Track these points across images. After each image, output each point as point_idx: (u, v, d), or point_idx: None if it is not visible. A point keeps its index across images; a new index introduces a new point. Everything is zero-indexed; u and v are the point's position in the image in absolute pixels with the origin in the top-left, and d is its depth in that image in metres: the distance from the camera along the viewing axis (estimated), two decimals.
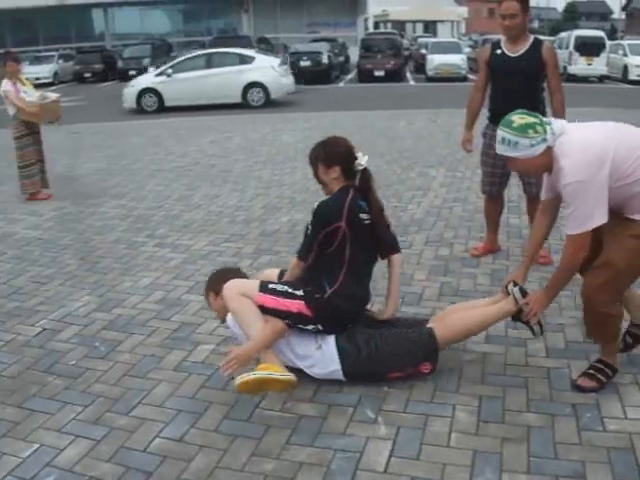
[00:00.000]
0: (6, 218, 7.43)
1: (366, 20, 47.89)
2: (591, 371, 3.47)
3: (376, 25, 57.29)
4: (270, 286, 3.50)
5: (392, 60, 27.17)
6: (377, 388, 3.53)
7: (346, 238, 3.43)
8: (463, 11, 64.48)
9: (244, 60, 18.60)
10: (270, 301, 3.44)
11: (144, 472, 2.95)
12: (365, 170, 3.57)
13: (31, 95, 7.89)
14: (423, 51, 30.25)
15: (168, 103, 18.16)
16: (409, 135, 11.81)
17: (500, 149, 3.23)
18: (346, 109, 16.40)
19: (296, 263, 3.59)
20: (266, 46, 31.21)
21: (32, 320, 4.59)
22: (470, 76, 25.96)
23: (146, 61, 33.77)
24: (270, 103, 18.18)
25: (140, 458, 3.06)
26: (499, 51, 5.03)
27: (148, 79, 18.76)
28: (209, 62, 18.78)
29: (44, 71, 33.75)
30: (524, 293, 3.49)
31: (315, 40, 33.57)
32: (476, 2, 71.54)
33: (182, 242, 6.14)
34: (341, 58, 31.67)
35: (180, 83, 17.71)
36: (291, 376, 3.43)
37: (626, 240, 3.14)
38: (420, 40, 38.20)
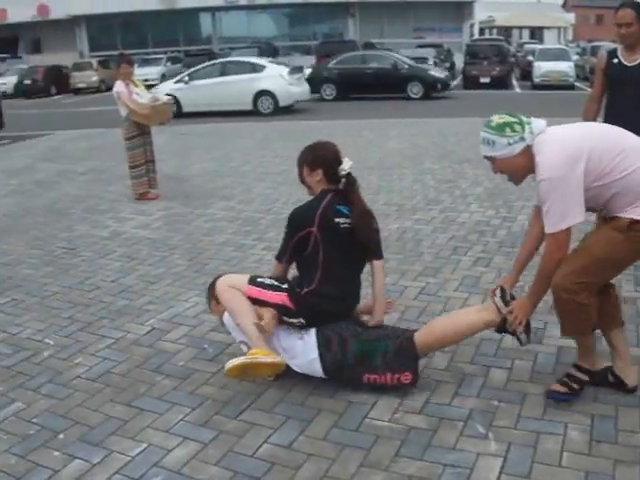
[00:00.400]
0: (116, 217, 7.69)
1: (472, 26, 47.26)
2: (564, 378, 3.45)
3: (481, 31, 56.45)
4: (258, 279, 3.71)
5: (498, 67, 26.77)
6: (487, 402, 3.46)
7: (318, 242, 3.56)
8: (570, 17, 62.74)
9: (255, 69, 19.71)
10: (257, 293, 3.63)
11: (252, 478, 2.96)
12: (349, 175, 3.67)
13: (143, 97, 8.13)
14: (530, 58, 29.62)
15: (185, 109, 19.25)
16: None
17: (481, 149, 3.26)
18: (452, 116, 16.22)
19: (275, 264, 3.84)
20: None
21: (141, 319, 4.72)
22: (578, 84, 25.22)
23: None
24: (280, 110, 18.93)
25: (248, 463, 3.07)
26: (616, 60, 4.93)
27: (168, 86, 20.10)
28: (223, 70, 19.86)
29: (152, 73, 34.83)
30: (507, 301, 3.45)
31: (421, 46, 33.40)
32: (584, 8, 69.50)
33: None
34: (446, 64, 31.37)
35: (196, 90, 18.23)
36: (278, 359, 3.53)
37: (607, 231, 3.17)
38: (526, 47, 37.44)
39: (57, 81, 35.69)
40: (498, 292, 3.48)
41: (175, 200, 8.24)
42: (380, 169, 9.62)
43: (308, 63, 33.44)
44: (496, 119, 3.20)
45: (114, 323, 4.68)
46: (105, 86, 35.36)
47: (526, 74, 29.34)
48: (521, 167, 3.21)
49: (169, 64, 36.75)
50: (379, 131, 13.70)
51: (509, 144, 3.14)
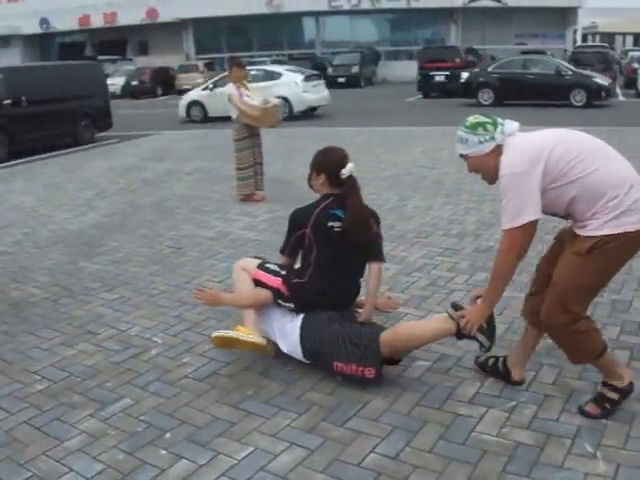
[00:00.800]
0: (222, 217, 7.83)
1: (574, 32, 45.92)
2: (598, 398, 3.45)
3: (584, 37, 54.76)
4: (265, 265, 4.18)
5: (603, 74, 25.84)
6: (596, 420, 3.37)
7: (312, 242, 3.93)
8: None
9: (272, 77, 20.76)
10: (260, 276, 4.11)
11: None
12: (349, 178, 3.93)
13: (254, 99, 8.24)
14: (635, 65, 28.48)
15: (211, 114, 20.50)
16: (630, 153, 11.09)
17: (456, 148, 3.42)
18: (554, 125, 15.73)
19: (279, 256, 4.24)
20: (473, 57, 30.81)
21: None
22: None
23: (355, 69, 34.58)
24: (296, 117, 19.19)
25: (354, 472, 3.06)
26: None
27: (196, 93, 21.80)
28: None
29: None
30: (458, 308, 3.64)
31: (523, 52, 32.67)
32: None
33: (397, 253, 6.14)
34: None
35: (219, 97, 18.26)
36: (259, 340, 3.96)
37: (569, 257, 3.21)
38: (631, 54, 36.05)
39: (163, 82, 36.79)
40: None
41: (279, 203, 8.30)
42: None
43: (410, 68, 33.39)
44: (471, 119, 3.37)
45: (221, 324, 4.75)
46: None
47: (630, 82, 28.21)
48: (492, 166, 3.28)
49: None
50: None
51: (480, 142, 3.29)
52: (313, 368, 4.01)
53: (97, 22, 46.05)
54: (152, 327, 4.80)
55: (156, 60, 42.41)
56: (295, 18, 44.43)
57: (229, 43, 45.53)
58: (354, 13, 43.05)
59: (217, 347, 4.13)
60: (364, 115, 19.94)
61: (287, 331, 4.02)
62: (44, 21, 47.05)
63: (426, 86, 26.09)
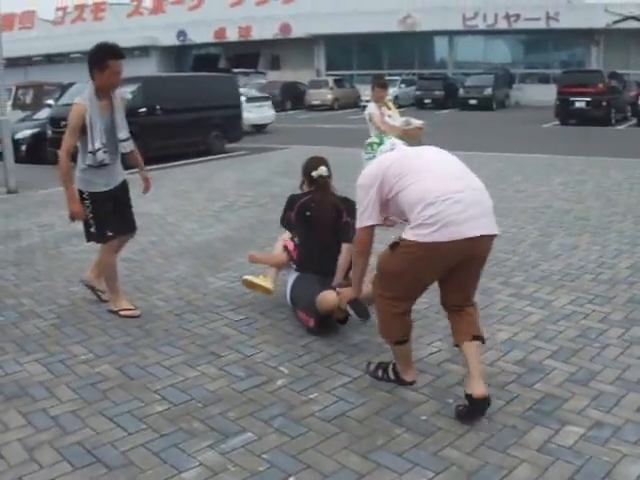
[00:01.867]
0: None
1: None
2: (385, 363, 4.22)
3: None
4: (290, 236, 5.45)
5: None
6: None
7: (296, 225, 5.27)
8: None
9: None
10: (288, 243, 5.42)
11: None
12: (319, 178, 5.20)
13: (395, 120, 7.95)
14: None
15: None
16: None
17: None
18: None
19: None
20: (617, 82, 29.34)
21: (381, 359, 4.40)
22: None
23: (488, 91, 33.82)
24: None
25: None
26: None
27: None
28: None
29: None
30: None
31: None
32: None
33: (541, 296, 5.66)
34: None
35: None
36: (268, 286, 5.39)
37: (386, 249, 3.80)
38: None
39: (293, 97, 37.27)
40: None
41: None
42: None
43: (546, 92, 32.31)
44: (369, 140, 4.25)
45: (352, 360, 4.46)
46: (338, 104, 36.44)
47: None
48: None
49: (403, 86, 37.12)
50: None
51: (367, 159, 4.28)
52: (452, 421, 3.66)
53: (232, 36, 47.25)
54: (278, 355, 4.56)
55: (287, 74, 43.02)
56: (428, 37, 44.09)
57: (359, 60, 45.70)
58: (489, 33, 42.20)
59: (245, 286, 5.59)
60: (497, 140, 19.28)
61: (289, 283, 5.26)
62: (181, 33, 48.67)
63: (564, 112, 25.04)
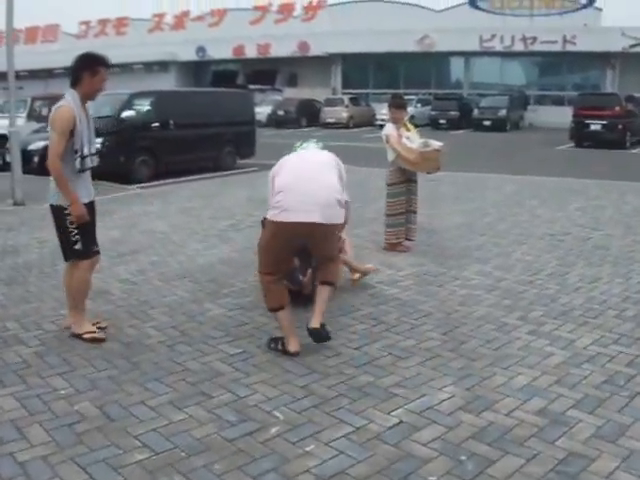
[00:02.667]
0: None
1: None
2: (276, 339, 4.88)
3: None
4: None
5: None
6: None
7: None
8: None
9: None
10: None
11: None
12: None
13: (414, 141, 7.43)
14: None
15: None
16: None
17: None
18: None
19: None
20: (634, 105, 28.74)
21: (387, 406, 3.95)
22: None
23: (502, 112, 33.32)
24: None
25: None
26: None
27: None
28: None
29: None
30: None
31: None
32: None
33: (562, 334, 5.12)
34: None
35: None
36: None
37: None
38: None
39: (308, 114, 36.94)
40: None
41: (426, 256, 7.47)
42: None
43: (560, 114, 31.77)
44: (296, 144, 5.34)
45: (355, 405, 3.96)
46: (353, 123, 36.05)
47: None
48: None
49: (419, 106, 36.68)
50: None
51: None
52: None
53: (250, 52, 47.02)
54: (274, 398, 4.07)
55: (305, 92, 42.70)
56: (444, 57, 43.69)
57: (376, 79, 45.36)
58: (505, 55, 41.72)
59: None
60: (512, 162, 18.75)
61: None
62: (200, 49, 48.51)
63: (580, 134, 24.48)
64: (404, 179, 7.60)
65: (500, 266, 7.03)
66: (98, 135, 14.19)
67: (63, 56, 53.46)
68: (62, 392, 4.19)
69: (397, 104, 7.63)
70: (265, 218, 4.83)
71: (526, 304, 5.80)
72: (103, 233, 9.04)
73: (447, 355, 4.66)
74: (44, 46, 56.65)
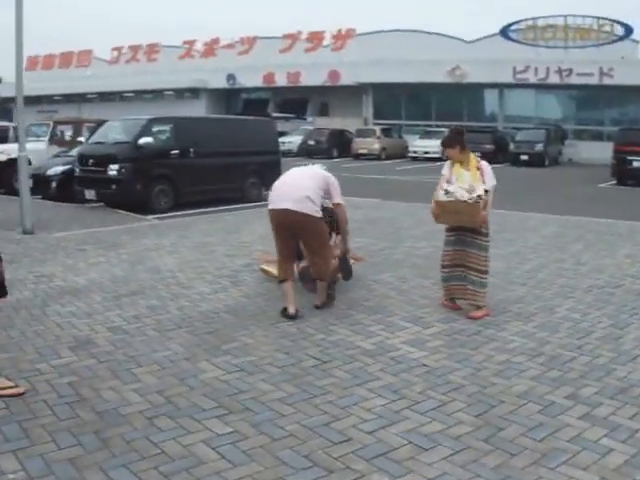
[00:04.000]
0: (385, 321, 6.26)
1: None
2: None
3: None
4: None
5: None
6: None
7: None
8: None
9: None
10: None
11: None
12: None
13: (464, 184, 6.25)
14: None
15: None
16: None
17: None
18: None
19: None
20: None
21: None
22: None
23: (539, 146, 32.39)
24: None
25: None
26: None
27: None
28: None
29: (432, 146, 34.24)
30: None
31: None
32: None
33: (621, 421, 4.20)
34: None
35: None
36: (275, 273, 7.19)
37: None
38: None
39: (340, 144, 36.31)
40: None
41: (459, 309, 6.64)
42: None
43: (600, 150, 30.79)
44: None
45: None
46: (385, 154, 35.31)
47: None
48: None
49: None
50: None
51: None
52: None
53: (281, 81, 46.64)
54: None
55: (336, 122, 42.16)
56: (477, 89, 42.77)
57: (408, 110, 44.63)
58: (540, 87, 40.79)
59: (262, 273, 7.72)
60: (552, 200, 17.76)
61: None
62: (231, 77, 48.28)
63: (622, 172, 23.32)
64: (454, 226, 6.51)
65: (543, 325, 6.13)
66: (114, 162, 14.34)
67: (96, 81, 54.37)
68: (10, 477, 3.47)
69: (443, 142, 6.66)
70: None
71: (576, 377, 4.90)
72: (105, 270, 8.57)
73: (480, 447, 3.80)
74: (78, 71, 57.08)
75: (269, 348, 5.48)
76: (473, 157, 6.49)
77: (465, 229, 6.40)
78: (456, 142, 6.42)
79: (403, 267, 8.58)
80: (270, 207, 6.43)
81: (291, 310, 6.28)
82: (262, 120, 19.09)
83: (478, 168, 6.39)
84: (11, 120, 46.47)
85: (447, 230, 6.60)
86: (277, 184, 6.55)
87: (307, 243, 6.55)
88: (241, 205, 14.93)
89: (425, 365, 5.13)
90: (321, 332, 5.95)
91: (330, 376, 4.90)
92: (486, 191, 6.26)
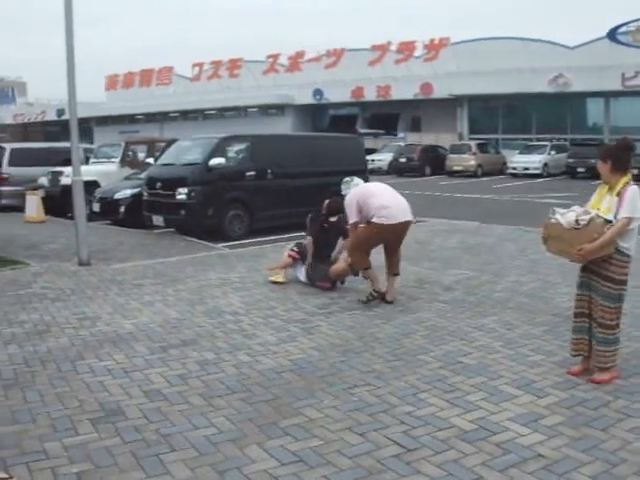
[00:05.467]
0: (489, 386, 5.14)
1: None
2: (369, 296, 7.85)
3: None
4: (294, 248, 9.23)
5: None
6: None
7: (315, 232, 9.06)
8: None
9: None
10: (291, 253, 9.08)
11: None
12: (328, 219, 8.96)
13: (602, 209, 5.12)
14: None
15: None
16: None
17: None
18: None
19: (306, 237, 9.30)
20: None
21: None
22: None
23: None
24: None
25: None
26: None
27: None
28: None
29: (533, 162, 32.90)
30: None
31: None
32: None
33: None
34: None
35: None
36: (284, 280, 8.93)
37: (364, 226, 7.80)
38: None
39: (432, 161, 35.21)
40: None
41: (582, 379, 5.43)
42: None
43: None
44: (346, 179, 8.23)
45: None
46: (482, 171, 33.87)
47: None
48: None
49: (553, 153, 34.15)
50: None
51: (343, 190, 8.09)
52: None
53: (370, 95, 45.84)
54: None
55: (429, 137, 41.00)
56: (580, 98, 40.81)
57: (505, 123, 43.04)
58: None
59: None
60: None
61: (299, 271, 8.97)
62: (317, 92, 47.80)
63: None
64: (584, 264, 5.32)
65: None
66: (183, 185, 13.60)
67: (177, 99, 54.92)
68: None
69: (598, 151, 5.39)
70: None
71: None
72: (158, 311, 7.59)
73: None
74: (159, 89, 57.78)
75: (340, 426, 4.44)
76: (623, 182, 5.13)
77: (592, 269, 5.20)
78: (609, 156, 5.16)
79: (507, 308, 7.46)
80: (391, 222, 7.52)
81: (383, 287, 7.77)
82: (348, 137, 18.05)
83: (618, 194, 5.14)
84: (92, 140, 47.58)
85: (580, 268, 5.41)
86: (385, 201, 7.62)
87: (399, 243, 7.88)
88: None
89: (542, 456, 3.98)
90: (407, 402, 4.88)
91: (416, 473, 3.82)
92: (607, 221, 5.04)
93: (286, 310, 7.54)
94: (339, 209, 8.61)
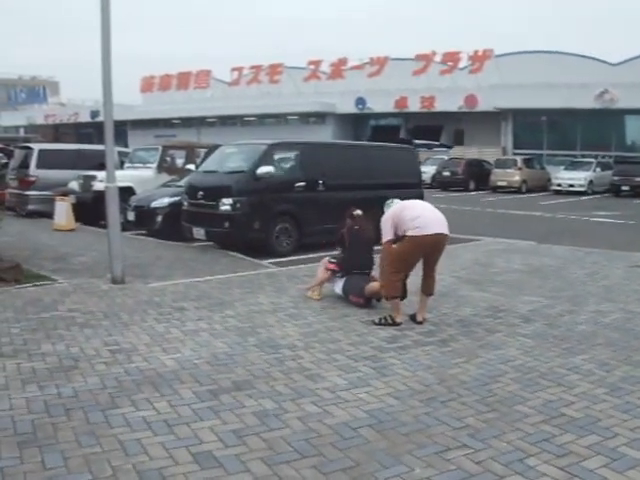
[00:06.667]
0: (606, 449, 4.08)
1: None
2: (384, 318, 7.37)
3: None
4: (330, 259, 8.82)
5: None
6: None
7: (345, 242, 8.69)
8: None
9: None
10: (328, 265, 8.65)
11: None
12: (356, 215, 8.74)
13: None
14: None
15: None
16: None
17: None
18: None
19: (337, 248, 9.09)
20: None
21: None
22: None
23: None
24: None
25: None
26: None
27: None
28: None
29: (579, 178, 31.92)
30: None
31: None
32: None
33: None
34: None
35: None
36: (316, 297, 8.59)
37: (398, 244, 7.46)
38: None
39: (477, 176, 34.09)
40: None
41: None
42: None
43: None
44: (387, 202, 7.92)
45: None
46: (526, 187, 32.76)
47: None
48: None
49: (598, 170, 32.96)
50: None
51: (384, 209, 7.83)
52: None
53: (413, 106, 44.72)
54: None
55: (472, 151, 39.87)
56: (627, 115, 39.43)
57: (550, 139, 41.74)
58: None
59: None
60: None
61: (336, 284, 8.51)
62: (360, 101, 46.76)
63: None
64: None
65: None
66: (228, 195, 12.42)
67: (215, 103, 53.99)
68: None
69: None
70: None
71: None
72: (205, 343, 6.46)
73: None
74: (196, 92, 56.87)
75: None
76: None
77: None
78: None
79: (596, 345, 6.50)
80: (424, 233, 7.17)
81: (401, 319, 7.33)
82: (403, 148, 16.81)
83: None
84: (126, 143, 46.66)
85: None
86: (418, 212, 7.42)
87: (435, 260, 7.53)
88: (377, 248, 12.88)
89: None
90: (515, 470, 3.88)
91: None
92: None
93: (351, 344, 6.51)
94: (350, 215, 8.73)
